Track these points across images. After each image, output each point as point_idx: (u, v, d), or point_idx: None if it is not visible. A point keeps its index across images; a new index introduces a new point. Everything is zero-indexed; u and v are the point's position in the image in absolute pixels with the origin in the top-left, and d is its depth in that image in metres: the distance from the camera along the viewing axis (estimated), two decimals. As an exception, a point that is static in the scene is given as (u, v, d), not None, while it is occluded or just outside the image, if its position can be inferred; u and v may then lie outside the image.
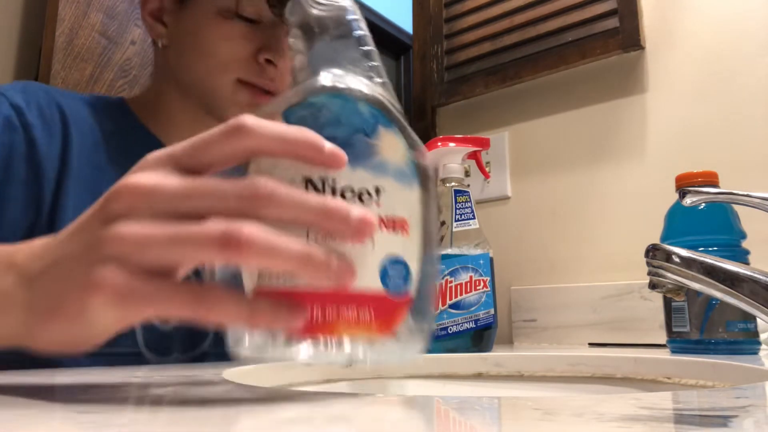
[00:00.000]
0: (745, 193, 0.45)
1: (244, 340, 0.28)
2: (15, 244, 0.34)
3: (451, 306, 0.74)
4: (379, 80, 0.32)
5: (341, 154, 0.28)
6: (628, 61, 1.11)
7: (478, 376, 0.69)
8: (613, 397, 0.30)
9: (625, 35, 1.09)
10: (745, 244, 0.70)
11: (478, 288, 0.75)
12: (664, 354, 0.66)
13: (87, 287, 0.27)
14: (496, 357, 0.69)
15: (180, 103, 0.69)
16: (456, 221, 0.78)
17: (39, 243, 0.32)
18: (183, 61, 0.68)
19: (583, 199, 1.13)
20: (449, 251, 0.76)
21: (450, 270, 0.75)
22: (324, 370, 0.61)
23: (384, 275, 0.29)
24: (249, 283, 0.28)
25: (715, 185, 0.72)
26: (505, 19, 1.25)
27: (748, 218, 0.70)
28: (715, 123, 1.01)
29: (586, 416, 0.24)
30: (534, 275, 1.17)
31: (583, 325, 1.06)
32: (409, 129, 0.31)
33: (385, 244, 0.29)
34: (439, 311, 0.74)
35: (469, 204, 0.80)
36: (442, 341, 0.74)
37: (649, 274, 0.43)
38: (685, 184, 0.72)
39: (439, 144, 0.82)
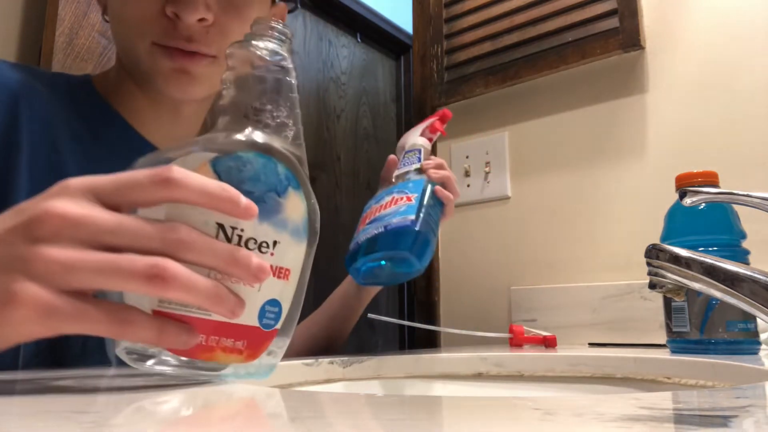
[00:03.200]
0: (745, 193, 0.45)
1: (129, 347, 0.33)
2: None
3: (369, 223, 0.68)
4: (298, 142, 0.37)
5: (253, 208, 0.32)
6: (628, 61, 1.11)
7: (478, 376, 0.69)
8: (613, 397, 0.30)
9: (625, 35, 1.09)
10: (745, 244, 0.70)
11: (399, 203, 0.67)
12: (664, 354, 0.66)
13: (9, 300, 0.28)
14: (497, 357, 0.69)
15: (133, 83, 0.62)
16: (398, 170, 0.75)
17: None
18: (112, 33, 0.60)
19: (583, 199, 1.13)
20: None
21: (377, 199, 0.71)
22: (325, 370, 0.61)
23: (262, 313, 0.35)
24: (146, 303, 0.31)
25: (715, 185, 0.72)
26: (505, 19, 1.25)
27: (748, 218, 0.70)
28: (715, 123, 1.01)
29: (586, 416, 0.24)
30: (534, 275, 1.17)
31: (583, 325, 1.06)
32: (309, 188, 0.37)
33: (269, 288, 0.35)
34: (357, 233, 0.69)
35: (419, 155, 0.75)
36: (352, 255, 0.67)
37: (649, 274, 0.43)
38: (685, 184, 0.72)
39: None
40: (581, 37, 1.14)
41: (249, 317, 0.34)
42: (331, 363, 0.61)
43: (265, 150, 0.35)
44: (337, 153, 1.74)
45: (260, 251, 0.34)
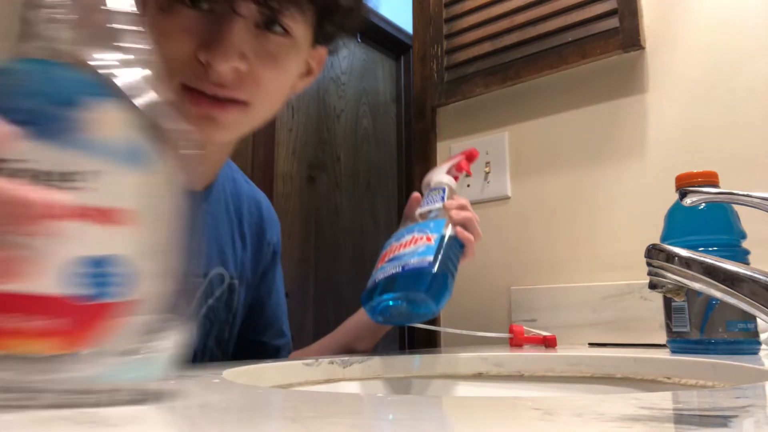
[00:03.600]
0: (745, 193, 0.45)
1: None
2: None
3: (388, 261, 0.68)
4: (131, 55, 0.27)
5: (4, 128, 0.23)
6: (628, 61, 1.11)
7: (478, 376, 0.69)
8: (613, 397, 0.30)
9: (625, 35, 1.09)
10: (745, 244, 0.70)
11: (419, 242, 0.67)
12: (664, 354, 0.66)
13: None
14: (496, 357, 0.69)
15: None
16: (420, 207, 0.75)
17: None
18: None
19: (583, 199, 1.13)
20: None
21: (397, 236, 0.71)
22: (325, 370, 0.61)
23: (73, 275, 0.24)
24: None
25: (715, 185, 0.72)
26: (505, 19, 1.25)
27: (748, 218, 0.70)
28: (715, 123, 1.01)
29: (586, 416, 0.24)
30: (534, 275, 1.17)
31: (583, 325, 1.06)
32: (145, 104, 0.27)
33: (80, 238, 0.24)
34: (375, 270, 0.69)
35: (442, 194, 0.75)
36: (369, 292, 0.67)
37: (649, 274, 0.43)
38: (685, 184, 0.72)
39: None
40: (581, 37, 1.14)
41: (44, 282, 0.24)
42: (331, 363, 0.61)
43: (32, 55, 0.25)
44: (337, 153, 1.74)
45: (53, 185, 0.24)
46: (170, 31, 0.52)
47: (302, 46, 0.59)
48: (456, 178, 0.80)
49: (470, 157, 0.82)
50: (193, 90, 0.53)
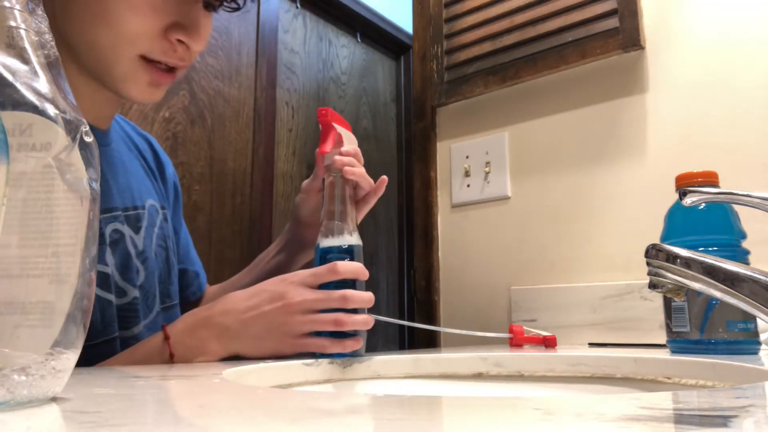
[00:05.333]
0: (745, 193, 0.45)
1: None
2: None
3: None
4: None
5: None
6: (628, 61, 1.11)
7: (478, 376, 0.69)
8: (613, 397, 0.30)
9: (625, 35, 1.09)
10: (745, 244, 0.70)
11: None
12: (664, 354, 0.66)
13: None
14: (496, 357, 0.69)
15: (76, 70, 0.60)
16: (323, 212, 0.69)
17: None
18: (76, 25, 0.58)
19: (583, 199, 1.13)
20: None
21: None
22: (324, 370, 0.61)
23: None
24: None
25: (715, 185, 0.72)
26: (505, 19, 1.25)
27: (748, 218, 0.70)
28: (715, 123, 1.01)
29: (586, 416, 0.24)
30: (534, 275, 1.17)
31: (583, 325, 1.06)
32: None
33: None
34: None
35: (322, 192, 0.69)
36: None
37: (649, 274, 0.43)
38: (685, 184, 0.72)
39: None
40: (581, 37, 1.14)
41: None
42: (331, 363, 0.61)
43: None
44: (337, 153, 1.74)
45: None
46: (140, 6, 0.56)
47: None
48: (324, 148, 0.73)
49: (326, 126, 0.71)
50: (151, 61, 0.59)
